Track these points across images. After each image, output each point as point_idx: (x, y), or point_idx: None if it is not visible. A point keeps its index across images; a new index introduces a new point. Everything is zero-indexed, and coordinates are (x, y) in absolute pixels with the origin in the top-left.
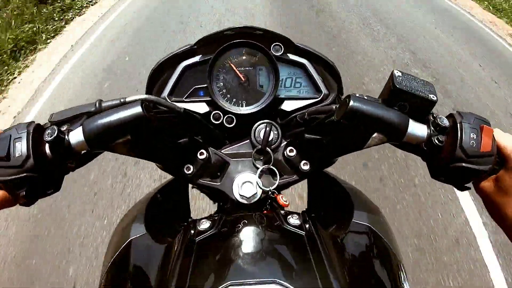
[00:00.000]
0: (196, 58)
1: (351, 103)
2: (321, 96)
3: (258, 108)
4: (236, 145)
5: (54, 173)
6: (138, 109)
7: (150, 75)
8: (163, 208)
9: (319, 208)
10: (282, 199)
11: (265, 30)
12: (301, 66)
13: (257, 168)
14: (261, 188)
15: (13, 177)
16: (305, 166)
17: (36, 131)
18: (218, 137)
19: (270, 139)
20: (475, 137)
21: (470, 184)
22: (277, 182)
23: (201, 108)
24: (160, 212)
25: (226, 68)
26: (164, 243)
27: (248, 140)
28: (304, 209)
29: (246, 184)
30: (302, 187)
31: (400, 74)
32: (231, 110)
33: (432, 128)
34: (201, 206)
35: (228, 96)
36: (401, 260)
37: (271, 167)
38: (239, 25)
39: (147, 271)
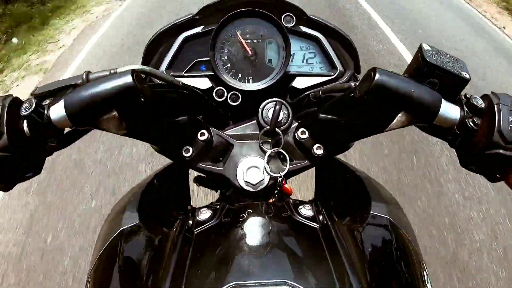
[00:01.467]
0: (198, 29)
1: (377, 76)
2: (336, 74)
3: (267, 85)
4: (241, 126)
5: (33, 154)
6: (128, 79)
7: (147, 47)
8: (160, 195)
9: (328, 197)
10: (285, 185)
11: None
12: (315, 39)
13: (265, 152)
14: (269, 174)
15: None
16: (318, 150)
17: (13, 105)
18: (221, 117)
19: (279, 119)
20: None
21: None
22: (287, 168)
23: (202, 83)
24: (156, 199)
25: (231, 40)
26: (159, 234)
27: (255, 121)
28: (311, 198)
29: (252, 169)
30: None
31: (429, 48)
32: (236, 86)
33: (466, 110)
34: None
35: (233, 71)
36: (422, 256)
37: (281, 150)
38: None
39: (139, 264)
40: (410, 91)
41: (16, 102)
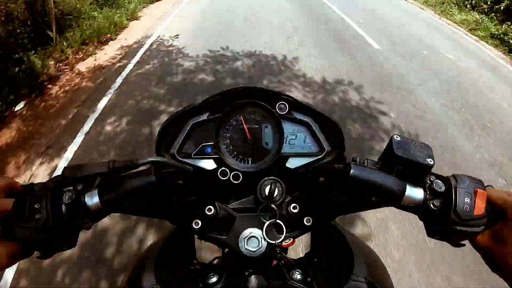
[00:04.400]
0: (204, 116)
1: (352, 171)
2: (324, 153)
3: (263, 166)
4: (242, 200)
5: (70, 232)
6: (151, 177)
7: (160, 132)
8: (171, 255)
9: (321, 253)
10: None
11: (270, 90)
12: (305, 124)
13: (263, 223)
14: (266, 241)
15: (32, 237)
16: (307, 222)
17: (54, 192)
18: (224, 192)
19: (274, 195)
20: (468, 202)
21: (465, 241)
22: (282, 236)
23: (208, 164)
24: (168, 259)
25: (233, 126)
26: None
27: (253, 195)
28: (308, 251)
29: (251, 239)
30: None
31: (399, 139)
32: (237, 168)
33: (428, 192)
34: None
35: (235, 153)
36: None
37: (278, 221)
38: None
39: None
40: (379, 182)
41: (56, 189)
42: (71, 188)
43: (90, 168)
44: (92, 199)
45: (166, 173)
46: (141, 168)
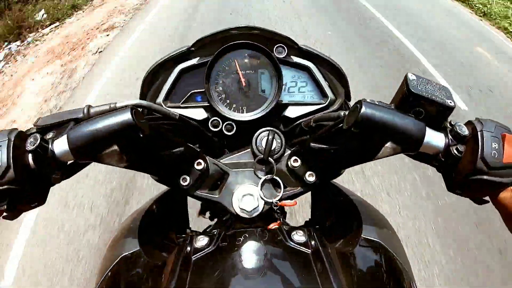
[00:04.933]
0: (194, 61)
1: (363, 109)
2: (327, 102)
3: (260, 115)
4: (236, 154)
5: (38, 186)
6: (127, 116)
7: (144, 79)
8: (160, 221)
9: (323, 218)
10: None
11: (267, 30)
12: (306, 69)
13: (259, 179)
14: (263, 199)
15: None
16: (310, 177)
17: (18, 139)
18: (216, 146)
19: (272, 148)
20: (497, 147)
21: (488, 197)
22: (280, 194)
23: (198, 114)
24: (156, 225)
25: (226, 71)
26: (158, 261)
27: (249, 149)
28: (308, 219)
29: (246, 197)
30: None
31: (414, 77)
32: (230, 117)
33: (450, 137)
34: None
35: (228, 101)
36: (413, 278)
37: (275, 177)
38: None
39: None
40: (395, 123)
41: (21, 136)
42: (36, 134)
43: (63, 115)
44: (61, 146)
45: (150, 120)
46: None
